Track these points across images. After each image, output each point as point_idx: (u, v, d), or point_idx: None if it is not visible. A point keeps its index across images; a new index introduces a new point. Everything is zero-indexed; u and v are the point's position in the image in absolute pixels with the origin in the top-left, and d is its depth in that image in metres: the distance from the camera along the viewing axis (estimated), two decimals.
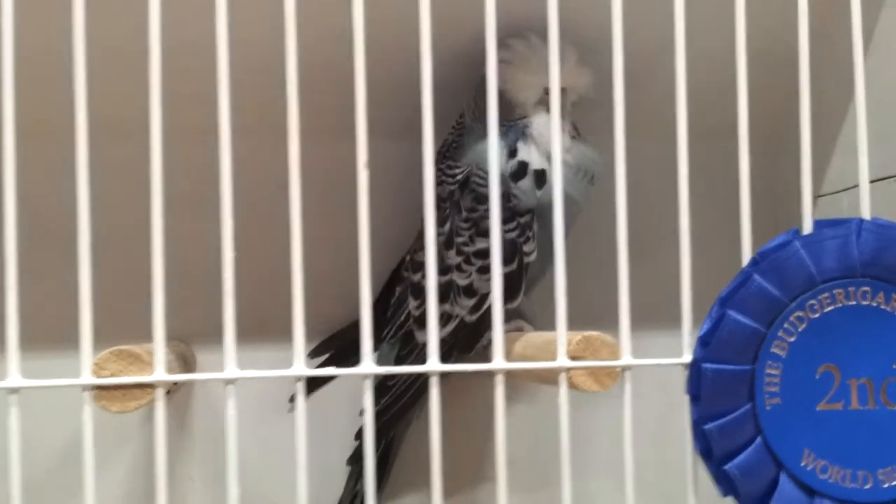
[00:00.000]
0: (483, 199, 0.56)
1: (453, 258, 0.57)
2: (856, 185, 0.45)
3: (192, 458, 0.63)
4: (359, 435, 0.61)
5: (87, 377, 0.41)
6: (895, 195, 0.55)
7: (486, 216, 0.57)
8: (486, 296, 0.57)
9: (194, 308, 0.52)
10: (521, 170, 0.56)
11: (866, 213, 0.44)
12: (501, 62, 0.56)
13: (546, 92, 0.54)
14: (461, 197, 0.57)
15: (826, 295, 0.43)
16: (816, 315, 0.43)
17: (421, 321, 0.58)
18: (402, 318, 0.60)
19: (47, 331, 0.53)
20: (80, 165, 0.40)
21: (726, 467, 0.42)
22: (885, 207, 0.47)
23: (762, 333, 0.43)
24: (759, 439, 0.42)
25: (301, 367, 0.41)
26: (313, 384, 0.53)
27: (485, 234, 0.54)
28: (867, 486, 0.42)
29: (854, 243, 0.43)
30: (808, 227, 0.44)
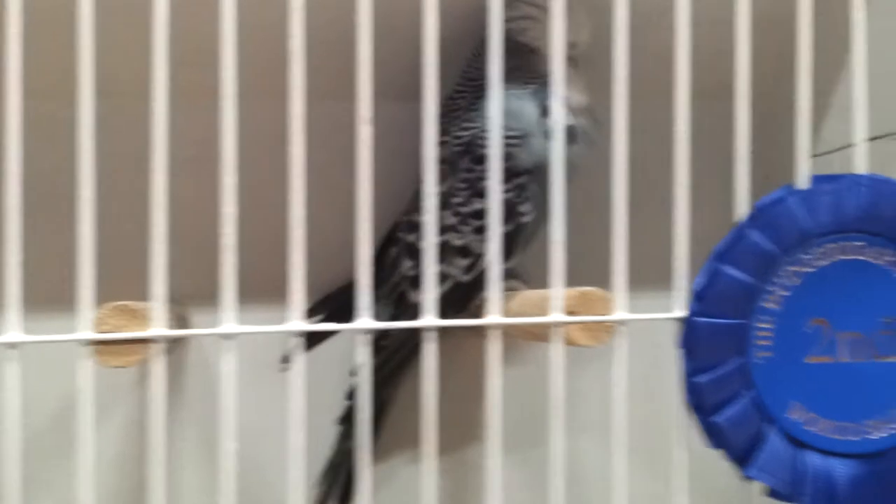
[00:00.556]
0: (481, 159, 0.56)
1: (449, 219, 0.57)
2: (847, 146, 0.46)
3: (186, 419, 0.63)
4: (350, 395, 0.62)
5: (87, 332, 0.41)
6: (887, 155, 0.55)
7: (483, 177, 0.58)
8: (480, 256, 0.57)
9: (191, 270, 0.52)
10: (569, 130, 0.55)
11: (862, 171, 0.45)
12: (526, 18, 0.56)
13: (572, 46, 0.53)
14: (460, 158, 0.57)
15: (820, 249, 0.44)
16: (810, 269, 0.44)
17: (415, 281, 0.58)
18: (397, 279, 0.60)
19: (47, 290, 0.53)
20: (83, 124, 0.40)
21: (715, 420, 0.43)
22: (878, 167, 0.48)
23: (756, 288, 0.43)
24: (748, 392, 0.43)
25: (299, 322, 0.42)
26: (309, 342, 0.53)
27: (481, 194, 0.55)
28: (854, 438, 0.43)
29: (848, 198, 0.44)
30: (803, 182, 0.44)
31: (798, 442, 0.43)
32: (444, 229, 0.57)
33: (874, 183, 0.44)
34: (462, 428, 0.65)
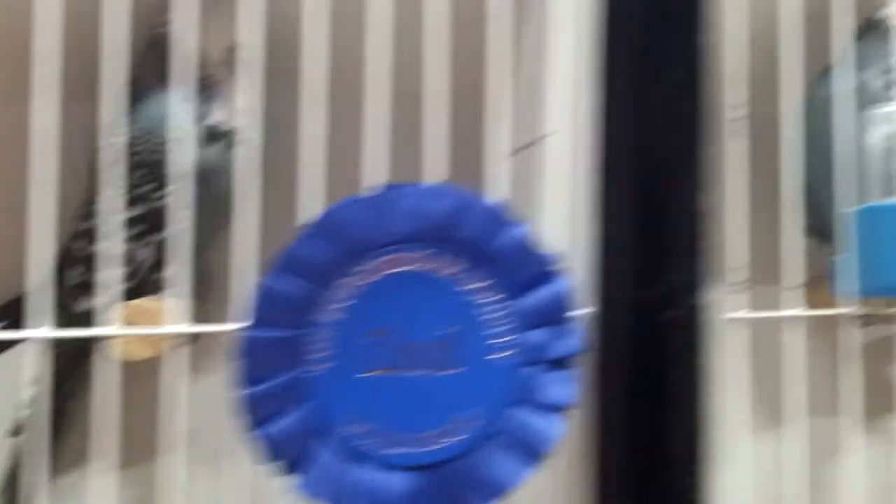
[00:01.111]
0: (137, 165, 0.56)
1: (110, 225, 0.56)
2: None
3: None
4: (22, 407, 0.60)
5: None
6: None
7: (139, 183, 0.57)
8: (141, 263, 0.56)
9: None
10: (214, 133, 0.56)
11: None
12: (183, 21, 0.55)
13: (229, 50, 0.54)
14: (116, 164, 0.56)
15: (383, 259, 0.43)
16: (371, 280, 0.43)
17: (74, 291, 0.57)
18: (66, 287, 0.59)
19: None
20: None
21: (266, 432, 0.42)
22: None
23: (312, 299, 0.42)
24: (302, 406, 0.42)
25: None
26: None
27: (138, 200, 0.55)
28: (412, 451, 0.42)
29: (421, 207, 0.43)
30: (371, 191, 0.44)
31: (356, 455, 0.42)
32: (105, 236, 0.56)
33: (427, 193, 0.43)
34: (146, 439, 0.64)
